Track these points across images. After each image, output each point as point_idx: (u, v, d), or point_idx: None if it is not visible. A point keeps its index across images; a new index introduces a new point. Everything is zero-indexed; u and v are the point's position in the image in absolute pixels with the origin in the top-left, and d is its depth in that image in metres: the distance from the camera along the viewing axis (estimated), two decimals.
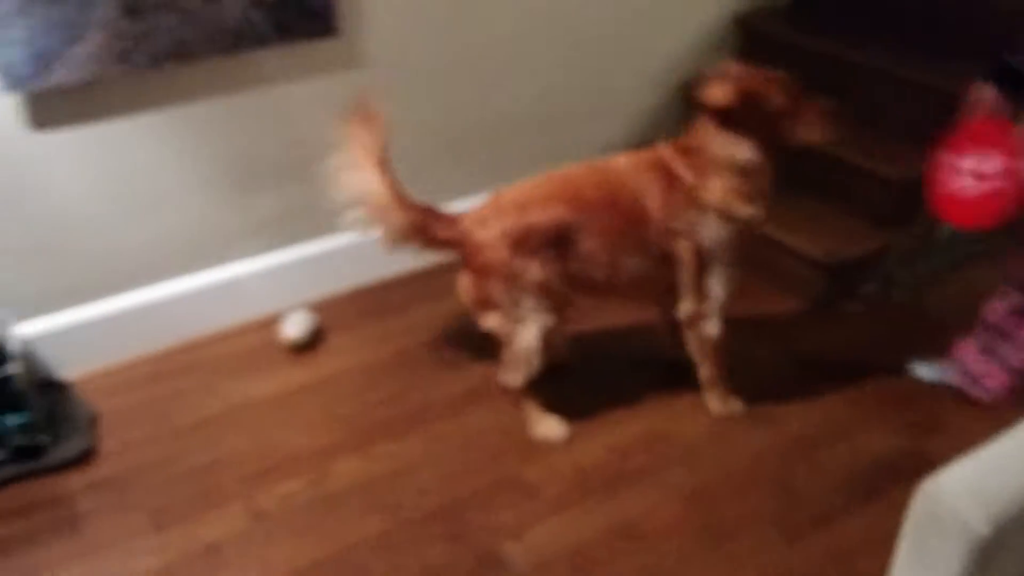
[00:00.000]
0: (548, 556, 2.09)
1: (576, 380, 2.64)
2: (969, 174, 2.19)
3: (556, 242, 2.24)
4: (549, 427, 2.44)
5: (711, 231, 2.26)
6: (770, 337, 2.84)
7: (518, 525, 2.17)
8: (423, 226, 2.29)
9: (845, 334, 2.87)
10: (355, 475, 2.32)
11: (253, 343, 2.78)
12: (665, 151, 2.30)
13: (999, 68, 2.11)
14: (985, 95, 2.14)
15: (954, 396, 2.54)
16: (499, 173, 2.82)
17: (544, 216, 2.22)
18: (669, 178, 2.26)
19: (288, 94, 2.68)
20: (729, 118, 2.17)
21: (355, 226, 2.31)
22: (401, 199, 2.27)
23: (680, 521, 2.19)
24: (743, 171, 2.22)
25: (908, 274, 3.06)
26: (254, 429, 2.46)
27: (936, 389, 2.58)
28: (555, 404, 2.47)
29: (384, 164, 2.27)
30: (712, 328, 2.39)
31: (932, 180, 2.27)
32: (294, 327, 2.73)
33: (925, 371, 2.63)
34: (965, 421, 2.48)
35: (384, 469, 2.34)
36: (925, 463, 2.14)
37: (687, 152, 2.27)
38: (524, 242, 2.21)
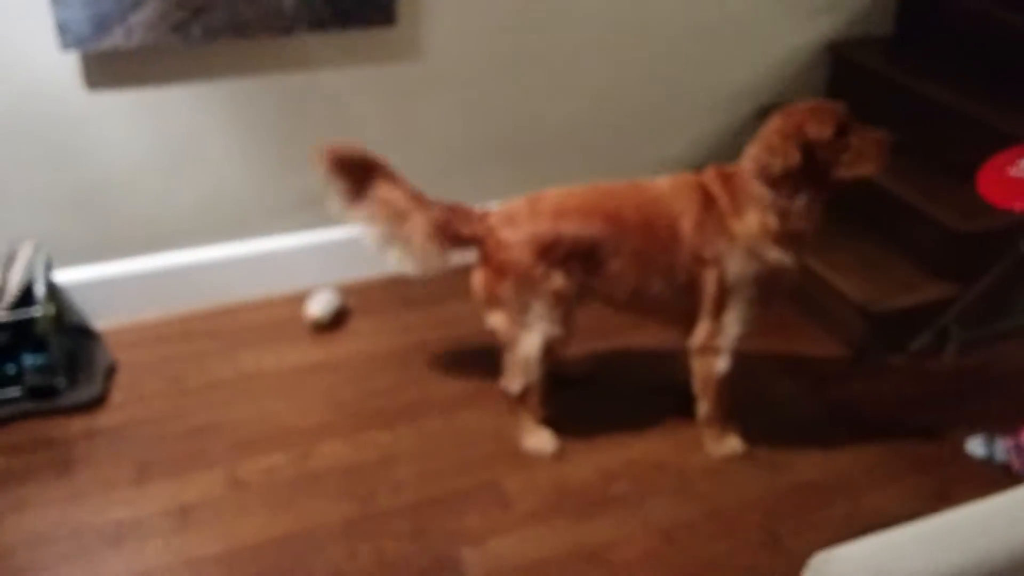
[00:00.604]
0: (504, 568, 2.06)
1: (586, 396, 2.59)
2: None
3: (583, 256, 2.19)
4: (539, 440, 2.39)
5: (736, 265, 2.17)
6: (800, 378, 2.71)
7: (483, 532, 2.14)
8: (447, 223, 2.27)
9: (882, 387, 2.70)
10: (338, 458, 2.34)
11: (278, 317, 2.84)
12: (708, 174, 2.23)
13: None
14: None
15: (991, 472, 2.37)
16: (544, 179, 2.77)
17: (577, 228, 2.18)
18: (706, 202, 2.19)
19: (339, 79, 2.72)
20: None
21: (379, 243, 2.31)
22: (419, 200, 2.26)
23: (650, 555, 2.11)
24: (780, 211, 2.12)
25: (966, 333, 2.85)
26: (257, 399, 2.51)
27: (976, 464, 2.41)
28: (558, 417, 2.43)
29: (390, 175, 2.27)
30: (721, 364, 2.29)
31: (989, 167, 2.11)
32: (318, 305, 2.78)
33: (977, 447, 2.45)
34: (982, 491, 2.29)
35: (367, 457, 2.35)
36: None
37: (729, 178, 2.20)
38: (550, 250, 2.17)
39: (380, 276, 3.00)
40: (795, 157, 2.07)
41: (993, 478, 2.35)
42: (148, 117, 2.56)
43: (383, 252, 2.31)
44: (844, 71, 3.35)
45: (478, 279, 2.31)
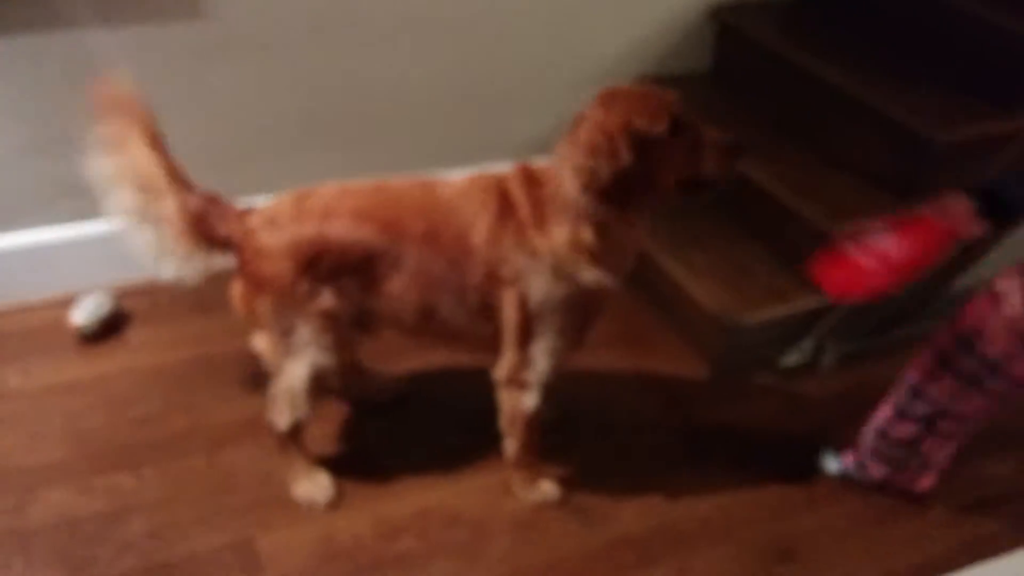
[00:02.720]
0: None
1: (381, 428, 2.19)
2: (861, 245, 1.68)
3: (356, 270, 1.77)
4: (312, 487, 2.00)
5: (540, 287, 1.75)
6: (649, 402, 2.34)
7: None
8: (203, 215, 1.83)
9: (743, 412, 2.34)
10: (61, 510, 1.93)
11: (37, 325, 2.40)
12: (512, 175, 1.80)
13: (982, 189, 1.61)
14: (957, 204, 1.63)
15: (854, 522, 2.04)
16: (365, 167, 2.36)
17: (348, 234, 1.75)
18: (504, 210, 1.76)
19: (103, 40, 2.25)
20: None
21: (124, 215, 1.87)
22: (178, 181, 1.82)
23: None
24: (597, 224, 1.69)
25: (844, 347, 2.48)
26: None
27: (837, 516, 2.06)
28: (346, 454, 2.07)
29: (156, 139, 1.83)
30: (529, 400, 1.89)
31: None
32: (83, 313, 2.35)
33: (834, 465, 2.14)
34: (831, 547, 1.95)
35: (99, 508, 1.94)
36: None
37: (534, 181, 1.76)
38: (316, 262, 1.75)
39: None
40: (626, 158, 1.63)
41: (847, 530, 2.00)
42: None
43: (134, 235, 1.86)
44: (729, 40, 2.93)
45: (236, 292, 1.88)
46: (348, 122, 2.60)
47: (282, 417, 1.92)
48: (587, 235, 1.69)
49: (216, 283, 1.87)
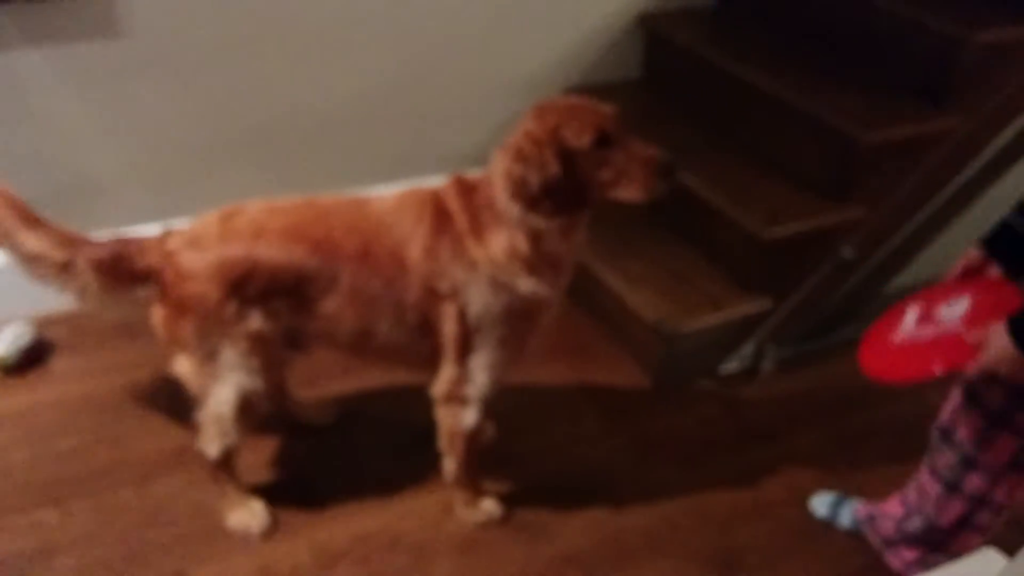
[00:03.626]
0: None
1: (317, 452, 2.13)
2: (917, 320, 1.59)
3: (287, 292, 1.72)
4: (246, 515, 1.94)
5: (479, 299, 1.72)
6: (590, 414, 2.32)
7: None
8: (115, 261, 1.73)
9: (684, 421, 2.33)
10: None
11: None
12: (447, 187, 1.76)
13: (996, 231, 1.57)
14: (970, 256, 1.60)
15: (798, 536, 2.01)
16: (290, 186, 2.30)
17: (276, 255, 1.70)
18: (440, 223, 1.72)
19: (23, 61, 2.17)
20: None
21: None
22: (73, 242, 1.73)
23: None
24: (531, 233, 1.66)
25: (783, 351, 2.49)
26: None
27: (784, 523, 2.05)
28: (278, 480, 2.01)
29: (29, 216, 1.72)
30: (468, 417, 1.85)
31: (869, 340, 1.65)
32: (2, 344, 2.26)
33: (821, 506, 2.07)
34: (777, 556, 1.94)
35: (22, 547, 1.86)
36: None
37: (470, 192, 1.73)
38: (244, 283, 1.69)
39: None
40: (553, 167, 1.61)
41: (802, 541, 2.00)
42: None
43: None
44: (658, 48, 2.93)
45: (157, 316, 1.81)
46: (274, 139, 2.55)
47: (211, 445, 1.86)
48: (522, 244, 1.67)
49: (142, 308, 1.80)
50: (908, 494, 1.82)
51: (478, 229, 1.70)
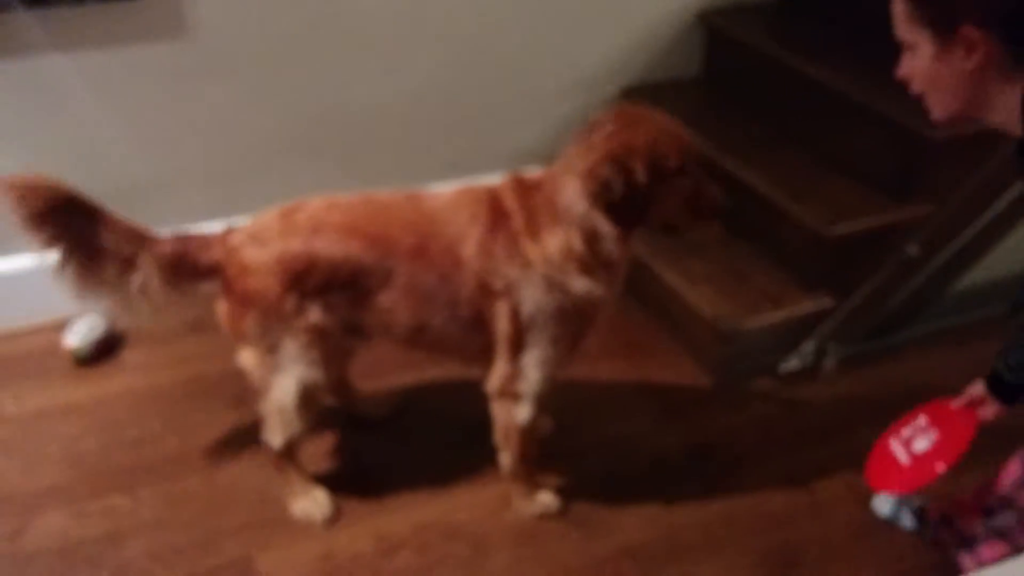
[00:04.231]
0: None
1: (381, 443, 2.16)
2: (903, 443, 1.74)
3: (345, 286, 1.75)
4: (310, 504, 1.98)
5: (533, 297, 1.74)
6: (648, 411, 2.31)
7: None
8: (180, 258, 1.77)
9: (743, 420, 2.32)
10: (58, 534, 1.91)
11: (32, 349, 2.39)
12: (504, 185, 1.79)
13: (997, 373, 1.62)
14: (975, 392, 1.66)
15: (862, 537, 1.99)
16: (351, 183, 2.34)
17: (335, 250, 1.73)
18: (496, 220, 1.75)
19: (75, 65, 2.23)
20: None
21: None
22: (140, 238, 1.77)
23: None
24: (590, 234, 1.68)
25: (844, 350, 2.46)
26: None
27: (847, 523, 2.02)
28: (342, 471, 2.05)
29: (94, 210, 1.74)
30: (522, 413, 1.87)
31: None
32: (76, 336, 2.34)
33: (884, 505, 2.05)
34: (836, 554, 1.92)
35: (95, 531, 1.92)
36: None
37: (529, 190, 1.75)
38: (304, 278, 1.73)
39: None
40: (641, 179, 1.63)
41: (860, 539, 1.97)
42: None
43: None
44: (720, 45, 2.92)
45: (222, 311, 1.86)
46: (333, 137, 2.60)
47: (275, 435, 1.91)
48: (577, 244, 1.69)
49: (208, 302, 1.85)
50: (1003, 484, 1.79)
51: (534, 228, 1.72)
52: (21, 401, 2.23)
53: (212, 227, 1.85)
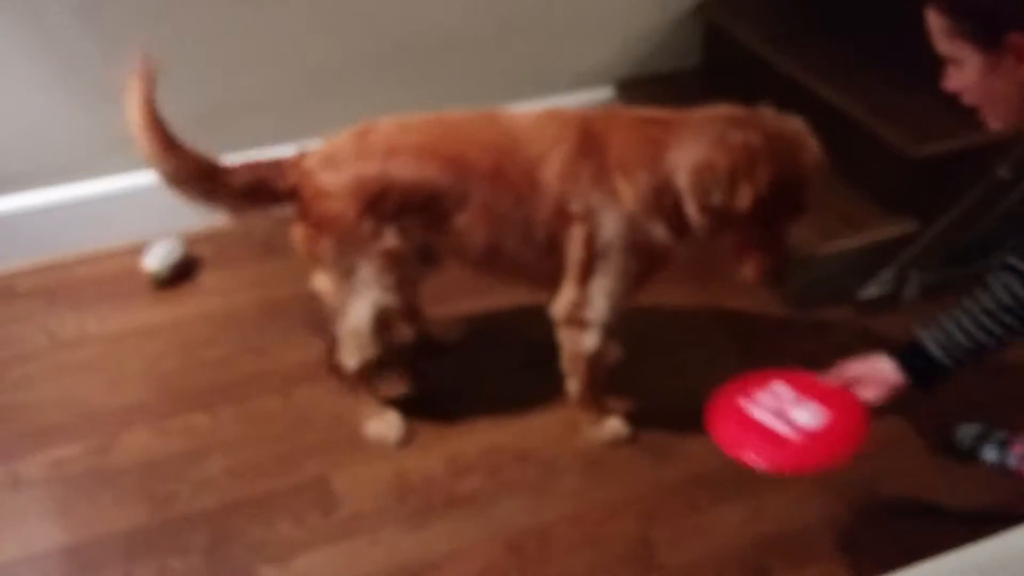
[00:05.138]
0: None
1: (452, 368, 2.18)
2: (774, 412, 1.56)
3: (421, 209, 1.75)
4: (383, 425, 2.01)
5: (612, 227, 1.72)
6: (723, 337, 2.29)
7: (292, 545, 1.79)
8: (256, 186, 1.79)
9: (819, 346, 2.25)
10: (143, 450, 1.98)
11: (113, 272, 2.45)
12: (602, 115, 1.78)
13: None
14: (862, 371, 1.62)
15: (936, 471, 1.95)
16: (427, 103, 2.33)
17: (411, 172, 1.73)
18: (586, 146, 1.72)
19: None
20: None
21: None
22: (215, 171, 1.79)
23: (487, 573, 1.73)
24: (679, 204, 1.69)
25: (928, 277, 2.38)
26: (66, 374, 2.16)
27: (909, 457, 1.98)
28: (414, 394, 2.08)
29: (173, 143, 1.75)
30: (588, 341, 1.86)
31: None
32: (155, 259, 2.39)
33: (968, 438, 1.98)
34: (915, 486, 1.89)
35: (177, 448, 1.99)
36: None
37: (641, 123, 1.74)
38: (379, 201, 1.73)
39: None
40: (748, 197, 1.61)
41: (937, 474, 1.93)
42: None
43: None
44: (718, 38, 2.81)
45: (298, 234, 1.87)
46: (405, 57, 2.57)
47: (351, 358, 1.93)
48: (669, 202, 1.69)
49: (282, 226, 1.87)
50: None
51: (630, 165, 1.69)
52: (104, 322, 2.30)
53: (284, 151, 1.84)
